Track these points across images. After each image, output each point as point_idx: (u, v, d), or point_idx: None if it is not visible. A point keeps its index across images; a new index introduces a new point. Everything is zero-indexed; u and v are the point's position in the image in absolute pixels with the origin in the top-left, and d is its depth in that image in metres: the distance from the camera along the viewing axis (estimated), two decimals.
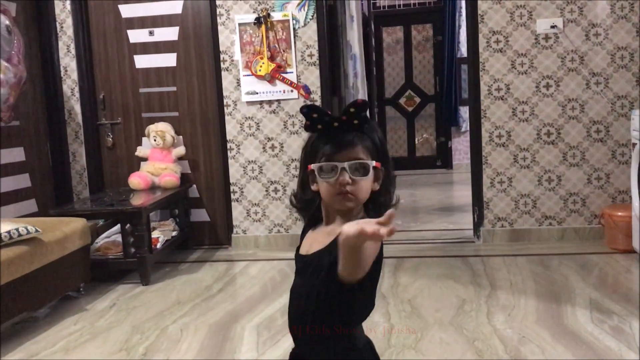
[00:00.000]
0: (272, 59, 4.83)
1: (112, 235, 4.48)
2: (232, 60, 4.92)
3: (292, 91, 4.85)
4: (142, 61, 5.12)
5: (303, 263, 1.46)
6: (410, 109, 9.34)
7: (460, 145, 9.15)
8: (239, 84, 4.92)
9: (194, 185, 5.13)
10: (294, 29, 4.80)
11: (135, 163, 5.14)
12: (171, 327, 3.37)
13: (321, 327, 1.39)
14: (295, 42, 4.81)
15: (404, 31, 9.25)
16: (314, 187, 1.43)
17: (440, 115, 9.18)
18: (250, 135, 4.95)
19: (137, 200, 4.45)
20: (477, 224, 4.83)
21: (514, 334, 3.04)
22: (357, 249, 1.20)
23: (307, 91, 4.83)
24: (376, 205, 1.44)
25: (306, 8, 4.79)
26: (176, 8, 5.03)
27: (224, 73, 4.94)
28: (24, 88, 4.39)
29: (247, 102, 4.92)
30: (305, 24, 4.80)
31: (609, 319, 3.14)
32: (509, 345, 2.91)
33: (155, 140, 4.94)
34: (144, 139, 5.10)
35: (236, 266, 4.57)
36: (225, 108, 4.97)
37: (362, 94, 5.58)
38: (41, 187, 4.96)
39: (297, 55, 4.83)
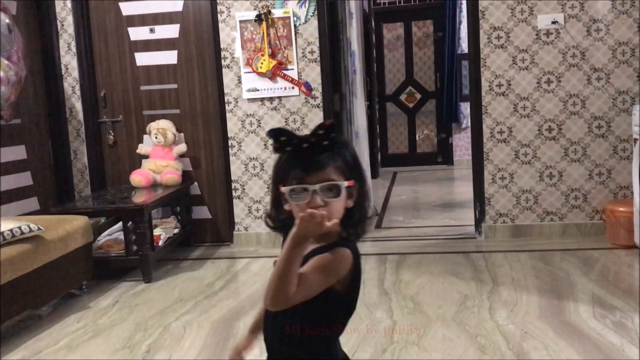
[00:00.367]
0: (273, 56, 4.83)
1: (114, 233, 4.49)
2: (233, 58, 4.91)
3: (293, 88, 4.85)
4: (143, 59, 5.12)
5: None
6: (411, 105, 9.33)
7: (461, 142, 9.15)
8: (240, 81, 4.91)
9: (196, 183, 5.13)
10: (294, 25, 4.80)
11: (137, 160, 5.14)
12: (174, 325, 3.38)
13: (297, 339, 1.39)
14: (296, 39, 4.81)
15: (404, 27, 9.24)
16: (287, 207, 1.39)
17: (440, 111, 9.17)
18: (252, 133, 4.95)
19: (139, 198, 4.45)
20: (479, 220, 4.83)
21: (517, 329, 3.04)
22: (294, 260, 1.25)
23: (309, 88, 4.83)
24: (351, 221, 1.41)
25: (307, 5, 4.78)
26: (177, 5, 5.02)
27: (225, 70, 4.94)
28: (23, 86, 4.38)
29: (248, 99, 4.92)
30: (306, 21, 4.80)
31: (611, 315, 3.14)
32: (511, 341, 2.91)
33: (156, 137, 4.94)
34: (145, 137, 5.10)
35: (238, 263, 4.58)
36: (226, 105, 4.97)
37: (360, 91, 5.58)
38: (43, 185, 4.96)
39: (298, 52, 4.82)
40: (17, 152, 4.68)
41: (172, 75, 5.10)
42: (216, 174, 5.11)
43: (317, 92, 4.84)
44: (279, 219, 1.43)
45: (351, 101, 5.41)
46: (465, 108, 8.80)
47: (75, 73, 5.11)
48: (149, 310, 3.63)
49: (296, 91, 4.85)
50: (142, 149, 5.06)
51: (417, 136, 9.37)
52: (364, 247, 4.81)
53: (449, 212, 6.08)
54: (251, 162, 4.98)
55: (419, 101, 9.30)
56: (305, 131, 4.85)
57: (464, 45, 8.71)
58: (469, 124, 4.99)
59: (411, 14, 9.20)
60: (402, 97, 9.33)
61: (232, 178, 5.02)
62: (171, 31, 5.04)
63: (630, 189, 4.43)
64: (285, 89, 4.86)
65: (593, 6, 4.50)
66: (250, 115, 4.94)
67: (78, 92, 5.13)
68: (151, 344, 3.13)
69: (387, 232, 5.34)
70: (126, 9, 5.09)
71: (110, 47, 5.14)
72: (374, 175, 8.28)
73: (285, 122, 4.89)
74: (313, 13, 4.78)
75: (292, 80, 4.84)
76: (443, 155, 9.25)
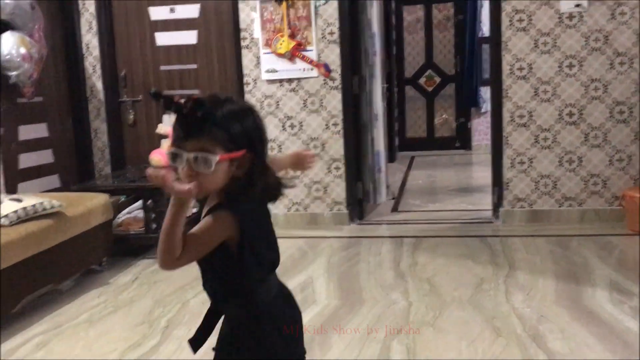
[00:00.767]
0: (292, 36, 4.83)
1: (134, 211, 4.54)
2: (253, 38, 4.92)
3: (312, 69, 4.85)
4: (163, 38, 5.15)
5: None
6: (430, 89, 9.28)
7: (480, 126, 9.09)
8: (259, 62, 4.93)
9: None
10: (314, 6, 4.79)
11: (156, 140, 5.18)
12: (192, 301, 3.43)
13: (220, 295, 1.51)
14: (315, 20, 4.80)
15: (424, 10, 9.16)
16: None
17: (460, 95, 9.11)
18: (270, 114, 4.96)
19: None
20: (497, 204, 4.82)
21: (533, 313, 3.05)
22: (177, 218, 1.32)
23: (328, 69, 4.83)
24: (233, 189, 1.41)
25: None
26: None
27: (244, 51, 4.95)
28: (44, 64, 4.43)
29: (267, 80, 4.93)
30: (326, 2, 4.78)
31: (629, 300, 3.14)
32: (527, 324, 2.92)
33: None
34: (165, 117, 5.14)
35: None
36: (245, 86, 4.99)
37: (379, 73, 5.56)
38: (64, 163, 5.03)
39: (317, 33, 4.82)
40: (38, 130, 4.75)
41: (191, 55, 5.13)
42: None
43: (336, 74, 4.84)
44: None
45: (370, 83, 5.40)
46: (485, 92, 8.72)
47: (96, 52, 5.16)
48: (168, 287, 3.69)
49: (315, 72, 4.85)
50: (161, 128, 5.10)
51: (435, 120, 9.33)
52: (379, 230, 4.84)
53: (467, 196, 6.07)
54: (269, 144, 4.99)
55: (438, 85, 9.24)
56: (324, 114, 4.88)
57: (485, 29, 8.62)
58: (489, 109, 4.97)
59: None
60: (421, 80, 9.28)
61: None
62: (191, 11, 5.06)
63: None
64: (304, 70, 4.86)
65: None
66: (268, 96, 4.95)
67: (99, 72, 5.18)
68: (170, 319, 3.19)
69: (403, 215, 5.35)
70: None
71: (130, 26, 5.18)
72: (391, 159, 8.26)
73: (304, 103, 4.90)
74: None
75: (311, 62, 4.85)
76: (461, 139, 9.20)
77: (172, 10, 5.09)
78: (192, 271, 3.96)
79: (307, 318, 3.00)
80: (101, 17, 5.11)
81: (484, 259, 3.95)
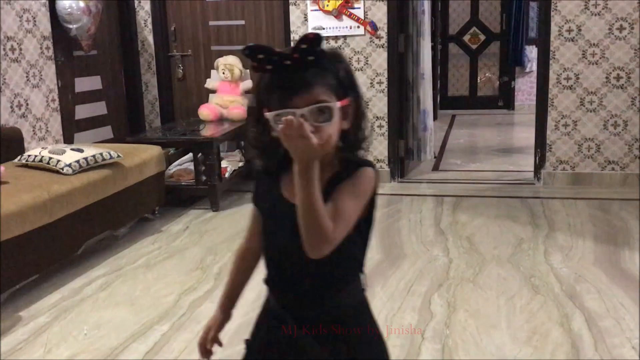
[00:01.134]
0: None
1: (184, 164, 4.73)
2: None
3: (358, 27, 4.90)
4: None
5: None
6: (474, 46, 9.20)
7: (524, 86, 9.02)
8: (306, 19, 4.99)
9: None
10: None
11: (204, 95, 5.33)
12: None
13: (334, 284, 1.29)
14: None
15: None
16: (274, 134, 1.18)
17: (505, 54, 9.02)
18: None
19: (208, 132, 4.66)
20: (539, 166, 4.87)
21: (571, 273, 3.15)
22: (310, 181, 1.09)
23: (374, 28, 4.87)
24: (348, 144, 1.26)
25: None
26: None
27: (292, 7, 5.02)
28: (102, 17, 4.58)
29: None
30: None
31: None
32: (565, 283, 3.03)
33: (223, 73, 5.11)
34: (213, 72, 5.27)
35: None
36: (292, 43, 5.05)
37: (427, 32, 5.56)
38: (116, 115, 5.23)
39: None
40: (93, 82, 4.93)
41: (240, 11, 5.22)
42: None
43: (383, 32, 4.88)
44: (266, 145, 1.25)
45: (418, 42, 5.42)
46: (531, 51, 8.63)
47: (148, 7, 5.28)
48: (218, 237, 3.89)
49: (362, 30, 4.90)
50: (209, 83, 5.25)
51: (478, 79, 9.27)
52: (420, 188, 4.95)
53: (508, 157, 6.11)
54: None
55: (482, 43, 9.15)
56: (369, 72, 4.94)
57: None
58: (533, 68, 4.95)
59: None
60: (466, 37, 9.19)
61: None
62: None
63: None
64: (350, 28, 4.92)
65: None
66: None
67: (150, 26, 5.32)
68: (222, 266, 3.38)
69: (444, 174, 5.44)
70: None
71: None
72: (434, 117, 8.29)
73: (350, 61, 4.97)
74: None
75: (358, 19, 4.89)
76: (504, 99, 9.15)
77: None
78: (240, 222, 4.16)
79: None
80: None
81: (523, 220, 4.04)
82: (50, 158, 3.50)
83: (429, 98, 5.52)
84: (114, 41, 5.19)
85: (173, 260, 3.54)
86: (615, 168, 4.72)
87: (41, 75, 4.26)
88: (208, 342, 1.47)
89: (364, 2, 4.86)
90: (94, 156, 3.61)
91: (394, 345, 2.44)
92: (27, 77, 4.13)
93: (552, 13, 4.62)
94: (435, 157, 5.98)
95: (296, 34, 5.03)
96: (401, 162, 5.20)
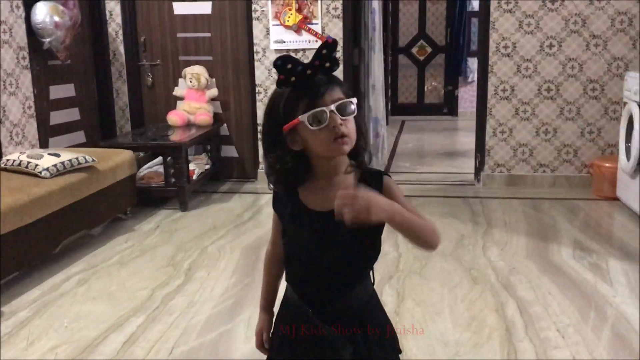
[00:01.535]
0: (299, 10, 4.97)
1: (154, 166, 4.76)
2: (263, 11, 5.06)
3: (316, 41, 5.01)
4: (180, 8, 5.27)
5: (323, 218, 1.27)
6: (421, 58, 9.43)
7: (466, 94, 9.29)
8: (268, 33, 5.08)
9: (225, 124, 5.37)
10: None
11: (173, 102, 5.37)
12: (210, 248, 3.69)
13: (351, 277, 1.34)
14: None
15: None
16: (296, 147, 1.25)
17: (449, 65, 9.28)
18: None
19: (177, 136, 4.70)
20: (478, 169, 5.07)
21: (506, 265, 3.33)
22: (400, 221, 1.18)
23: None
24: (357, 150, 1.29)
25: None
26: None
27: (254, 22, 5.10)
28: (79, 30, 4.58)
29: (275, 50, 5.09)
30: None
31: (589, 257, 3.43)
32: (500, 274, 3.20)
33: (191, 81, 5.15)
34: (181, 80, 5.31)
35: (262, 198, 4.86)
36: (255, 55, 5.15)
37: (378, 46, 5.70)
38: (88, 120, 5.21)
39: (322, 8, 4.96)
40: (67, 90, 4.91)
41: (206, 24, 5.26)
42: (244, 117, 5.34)
43: (339, 46, 5.01)
44: (290, 166, 1.27)
45: (369, 55, 5.56)
46: (472, 63, 8.89)
47: (119, 19, 5.28)
48: (187, 235, 3.95)
49: (319, 44, 5.00)
50: (177, 91, 5.28)
51: (425, 87, 9.51)
52: None
53: (452, 160, 6.32)
54: None
55: (429, 54, 9.39)
56: None
57: (474, 3, 8.74)
58: (475, 79, 5.14)
59: None
60: (414, 49, 9.41)
61: (258, 122, 5.25)
62: None
63: (617, 147, 4.64)
64: (309, 42, 5.02)
65: None
66: None
67: (121, 37, 5.31)
68: (191, 263, 3.45)
69: (394, 176, 5.48)
70: None
71: None
72: (385, 123, 8.47)
73: None
74: None
75: (316, 34, 5.00)
76: (449, 106, 9.41)
77: None
78: (208, 221, 4.22)
79: None
80: None
81: (465, 217, 4.22)
82: (28, 162, 3.51)
83: (380, 107, 5.65)
84: (86, 51, 5.17)
85: (145, 257, 3.58)
86: (546, 170, 4.96)
87: (18, 83, 4.24)
88: (265, 343, 1.49)
89: (321, 18, 4.98)
90: (70, 160, 3.63)
91: None
92: (4, 85, 4.10)
93: (490, 31, 4.83)
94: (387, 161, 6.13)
95: (259, 47, 5.11)
96: None
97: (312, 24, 4.99)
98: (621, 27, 4.64)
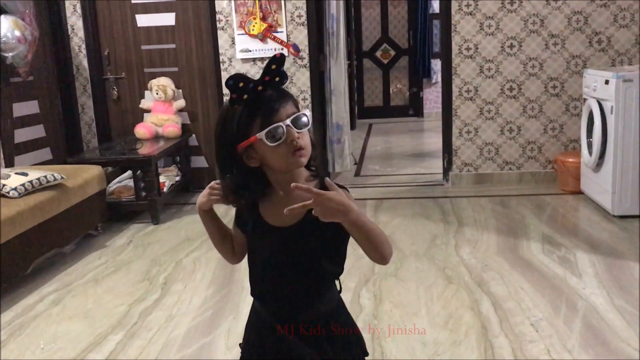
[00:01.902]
0: (264, 19, 4.99)
1: (124, 181, 4.72)
2: (227, 20, 5.07)
3: (282, 49, 5.04)
4: (143, 20, 5.24)
5: (284, 234, 1.32)
6: (385, 61, 9.53)
7: (431, 96, 9.42)
8: (233, 42, 5.08)
9: (194, 135, 5.35)
10: None
11: (139, 114, 5.32)
12: (185, 260, 3.68)
13: (318, 288, 1.36)
14: (285, 4, 4.97)
15: None
16: (253, 164, 1.26)
17: (413, 67, 9.40)
18: None
19: (145, 150, 4.67)
20: (447, 169, 5.16)
21: (478, 263, 3.40)
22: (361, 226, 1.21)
23: (296, 49, 5.03)
24: (315, 157, 1.32)
25: None
26: None
27: (219, 32, 5.10)
28: (38, 45, 4.51)
29: (242, 59, 5.10)
30: None
31: (558, 250, 3.52)
32: (473, 272, 3.27)
33: (157, 93, 5.12)
34: (147, 92, 5.27)
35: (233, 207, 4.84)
36: (221, 64, 5.15)
37: (342, 51, 5.73)
38: (54, 137, 5.12)
39: (287, 16, 5.00)
40: (30, 107, 4.83)
41: (170, 35, 5.24)
42: (212, 127, 5.28)
43: (304, 53, 5.04)
44: (251, 184, 1.29)
45: (329, 61, 5.59)
46: (436, 64, 9.03)
47: (81, 33, 5.23)
48: (161, 248, 3.93)
49: (285, 52, 5.04)
50: (144, 103, 5.24)
51: (390, 90, 9.61)
52: None
53: (420, 161, 6.40)
54: None
55: (393, 57, 9.49)
56: (294, 90, 5.09)
57: (435, 5, 8.88)
58: (439, 80, 5.23)
59: None
60: (378, 53, 9.51)
61: None
62: None
63: (579, 142, 4.77)
64: (275, 50, 5.04)
65: None
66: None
67: (84, 51, 5.26)
68: (167, 276, 3.43)
69: (364, 179, 5.65)
70: None
71: (112, 9, 5.25)
72: (352, 126, 8.51)
73: None
74: None
75: (281, 42, 5.03)
76: (414, 108, 9.52)
77: None
78: (180, 233, 4.20)
79: None
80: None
81: (436, 218, 4.29)
82: None
83: (342, 112, 5.57)
84: (49, 66, 5.09)
85: (120, 273, 3.55)
86: (512, 168, 5.07)
87: None
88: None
89: (286, 26, 5.01)
90: (38, 179, 3.58)
91: None
92: None
93: (452, 34, 4.92)
94: (356, 164, 6.18)
95: (225, 56, 5.11)
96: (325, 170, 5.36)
97: (277, 32, 5.02)
98: (577, 25, 4.78)
